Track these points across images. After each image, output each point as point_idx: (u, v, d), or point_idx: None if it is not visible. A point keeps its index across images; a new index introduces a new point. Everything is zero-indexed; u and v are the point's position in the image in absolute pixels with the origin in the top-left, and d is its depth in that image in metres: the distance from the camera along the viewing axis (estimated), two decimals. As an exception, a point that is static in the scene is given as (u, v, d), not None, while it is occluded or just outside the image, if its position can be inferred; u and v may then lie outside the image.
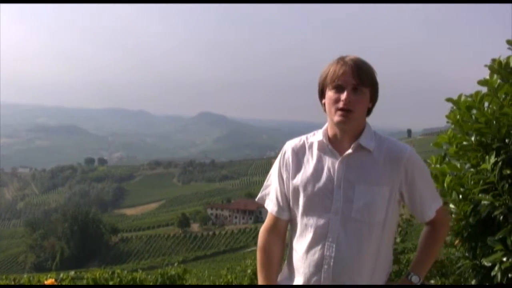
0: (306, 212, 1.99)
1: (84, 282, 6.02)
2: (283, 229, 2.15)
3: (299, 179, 2.02)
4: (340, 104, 1.89)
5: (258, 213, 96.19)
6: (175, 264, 7.52)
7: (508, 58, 2.57)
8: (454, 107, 2.67)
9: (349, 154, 1.94)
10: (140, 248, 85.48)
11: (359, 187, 1.90)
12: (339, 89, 1.90)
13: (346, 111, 1.88)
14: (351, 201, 1.90)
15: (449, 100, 2.69)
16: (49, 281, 4.75)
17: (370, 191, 1.89)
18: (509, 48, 2.63)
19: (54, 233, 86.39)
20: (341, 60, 1.93)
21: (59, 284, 5.12)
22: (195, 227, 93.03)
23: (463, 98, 2.63)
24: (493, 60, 2.59)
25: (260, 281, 2.14)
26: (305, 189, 1.99)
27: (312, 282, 1.95)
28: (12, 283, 5.50)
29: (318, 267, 1.93)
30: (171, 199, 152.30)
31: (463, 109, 2.60)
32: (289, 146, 2.10)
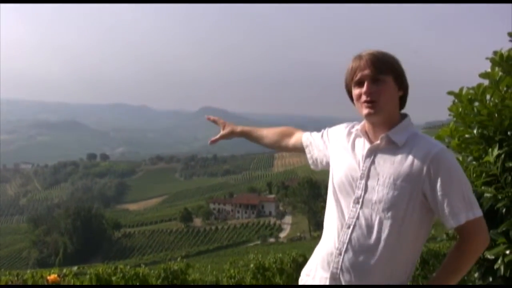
0: (334, 194, 2.04)
1: (87, 278, 6.04)
2: (296, 137, 2.43)
3: (335, 160, 2.11)
4: (363, 98, 1.92)
5: (261, 207, 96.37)
6: (178, 259, 7.52)
7: (510, 50, 2.55)
8: (456, 100, 2.67)
9: (378, 145, 1.95)
10: (143, 243, 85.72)
11: (381, 180, 1.90)
12: (360, 84, 1.94)
13: (371, 102, 1.90)
14: (371, 192, 1.90)
15: (451, 93, 2.68)
16: (52, 277, 4.75)
17: (391, 185, 1.87)
18: (510, 41, 2.62)
19: (57, 229, 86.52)
20: (358, 56, 1.96)
21: (62, 279, 5.13)
22: (197, 221, 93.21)
23: (465, 91, 2.62)
24: (495, 53, 2.58)
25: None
26: (336, 172, 2.06)
27: (325, 269, 1.97)
28: (16, 278, 5.51)
29: (332, 251, 1.95)
30: (173, 194, 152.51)
31: (465, 102, 2.60)
32: (347, 126, 2.16)
